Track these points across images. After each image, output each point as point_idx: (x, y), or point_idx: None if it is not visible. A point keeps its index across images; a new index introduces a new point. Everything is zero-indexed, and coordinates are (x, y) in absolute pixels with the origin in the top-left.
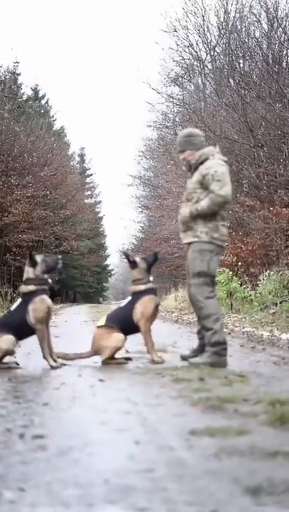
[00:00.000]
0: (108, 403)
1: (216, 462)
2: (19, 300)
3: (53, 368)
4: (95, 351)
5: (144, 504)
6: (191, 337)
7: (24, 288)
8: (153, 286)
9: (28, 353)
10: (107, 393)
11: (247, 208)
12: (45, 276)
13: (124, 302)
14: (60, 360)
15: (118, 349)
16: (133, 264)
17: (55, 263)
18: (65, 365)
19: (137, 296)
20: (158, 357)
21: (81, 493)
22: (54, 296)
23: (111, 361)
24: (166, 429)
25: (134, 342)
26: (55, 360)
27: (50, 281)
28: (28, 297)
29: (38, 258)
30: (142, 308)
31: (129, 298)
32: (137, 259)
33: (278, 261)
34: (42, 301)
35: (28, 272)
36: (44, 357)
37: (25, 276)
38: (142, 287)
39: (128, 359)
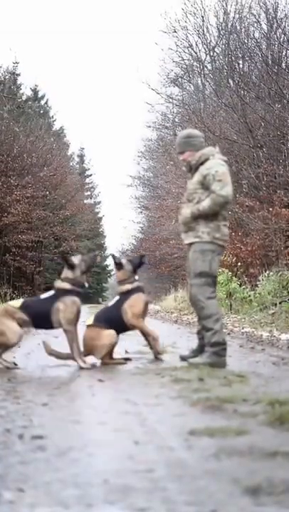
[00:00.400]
0: (107, 403)
1: (215, 462)
2: (51, 292)
3: (83, 368)
4: (88, 351)
5: (144, 504)
6: (190, 337)
7: (60, 284)
8: (139, 284)
9: (27, 353)
10: (107, 393)
11: (246, 208)
12: (84, 277)
13: (111, 302)
14: (53, 359)
15: (113, 346)
16: (119, 266)
17: (93, 260)
18: (95, 366)
19: (124, 295)
20: (162, 348)
21: (80, 494)
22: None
23: (110, 361)
24: (166, 430)
25: (134, 342)
26: (84, 361)
27: (86, 285)
28: (60, 293)
29: (76, 260)
30: (131, 307)
31: (117, 297)
32: (123, 261)
33: (278, 261)
34: (73, 303)
35: (67, 274)
36: (74, 358)
37: (63, 275)
38: (129, 286)
39: (127, 359)
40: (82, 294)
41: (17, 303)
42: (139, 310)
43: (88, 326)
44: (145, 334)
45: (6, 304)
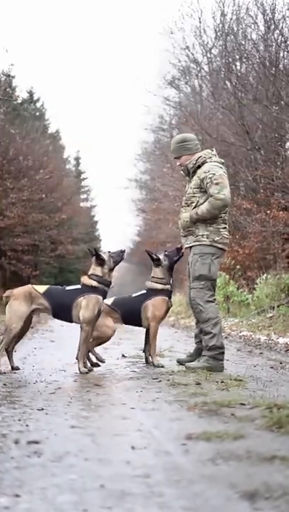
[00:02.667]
0: (104, 408)
1: (212, 467)
2: (78, 286)
3: (80, 372)
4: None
5: (141, 510)
6: (188, 341)
7: (87, 280)
8: (170, 288)
9: (23, 357)
10: (103, 398)
11: (244, 211)
12: (111, 275)
13: (136, 293)
14: (49, 364)
15: (106, 337)
16: (157, 262)
17: (121, 257)
18: (92, 370)
19: (152, 292)
20: (158, 361)
21: (77, 499)
22: None
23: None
24: (163, 434)
25: (132, 347)
26: (85, 366)
27: (112, 284)
28: (86, 289)
29: (105, 256)
30: (154, 307)
31: (144, 291)
32: (161, 256)
33: (275, 264)
34: (96, 302)
35: (96, 270)
36: (77, 358)
37: (91, 271)
38: (160, 286)
39: (97, 365)
40: (107, 292)
41: (42, 288)
42: (161, 314)
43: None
44: (150, 339)
45: (31, 286)
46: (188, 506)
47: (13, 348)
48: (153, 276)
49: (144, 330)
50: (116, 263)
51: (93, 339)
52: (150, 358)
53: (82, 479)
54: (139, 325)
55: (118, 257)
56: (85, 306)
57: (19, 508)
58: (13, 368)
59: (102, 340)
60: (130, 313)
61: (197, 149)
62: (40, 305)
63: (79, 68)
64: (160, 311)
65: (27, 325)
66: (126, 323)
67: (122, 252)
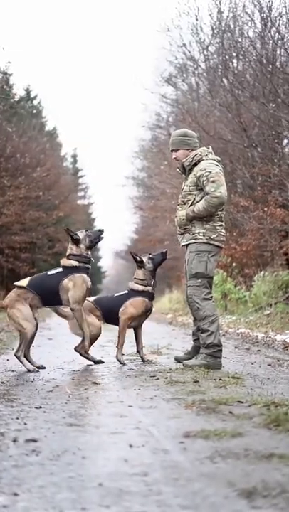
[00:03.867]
0: (102, 406)
1: (210, 465)
2: (59, 269)
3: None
4: (69, 316)
5: (139, 508)
6: (185, 339)
7: (66, 262)
8: (151, 290)
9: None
10: (101, 396)
11: (241, 208)
12: (89, 253)
13: (119, 293)
14: (47, 361)
15: (93, 337)
16: (140, 264)
17: (98, 236)
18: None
19: (133, 293)
20: (121, 357)
21: (75, 497)
22: None
23: (84, 354)
24: (161, 432)
25: (129, 345)
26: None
27: (93, 260)
28: (68, 270)
29: (81, 234)
30: (130, 306)
31: (126, 292)
32: (144, 258)
33: (273, 262)
34: (82, 280)
35: (72, 249)
36: (76, 349)
37: (68, 252)
38: (140, 288)
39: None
40: (89, 269)
41: (24, 281)
42: (137, 312)
43: (87, 301)
44: (118, 332)
45: (14, 287)
46: (187, 504)
47: (28, 351)
48: (135, 278)
49: (132, 330)
50: (93, 242)
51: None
52: (141, 353)
53: (81, 477)
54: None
55: (95, 235)
56: (72, 286)
57: (17, 506)
58: (38, 368)
59: (87, 338)
60: (110, 312)
61: (195, 147)
62: (29, 299)
63: (76, 66)
64: (136, 309)
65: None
66: (107, 322)
67: (100, 231)
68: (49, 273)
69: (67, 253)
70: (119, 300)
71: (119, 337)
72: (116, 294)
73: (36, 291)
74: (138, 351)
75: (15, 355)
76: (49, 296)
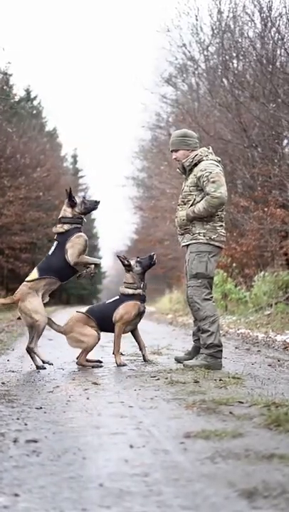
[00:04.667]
0: (102, 406)
1: (211, 465)
2: (55, 243)
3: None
4: (66, 331)
5: (139, 508)
6: (185, 339)
7: (59, 228)
8: (141, 292)
9: (21, 356)
10: (101, 396)
11: (241, 208)
12: (82, 217)
13: (110, 299)
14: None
15: (90, 346)
16: (128, 268)
17: (94, 206)
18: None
19: (124, 297)
20: (121, 361)
21: (75, 498)
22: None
23: (86, 364)
24: (161, 433)
25: (130, 345)
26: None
27: (85, 220)
28: (63, 237)
29: (78, 199)
30: (123, 311)
31: (117, 297)
32: (132, 262)
33: (273, 262)
34: (79, 238)
35: (66, 211)
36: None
37: (61, 215)
38: (130, 291)
39: (98, 361)
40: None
41: (33, 274)
42: (129, 317)
43: (78, 312)
44: (114, 338)
45: (25, 283)
46: (187, 505)
47: (35, 345)
48: (124, 282)
49: (130, 333)
50: (87, 209)
51: (82, 355)
52: (143, 351)
53: (81, 478)
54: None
55: (91, 204)
56: (71, 246)
57: (18, 507)
58: (44, 362)
59: (86, 350)
60: (105, 320)
61: (196, 147)
62: (45, 286)
63: (76, 66)
64: (129, 314)
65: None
66: (102, 330)
67: (97, 202)
68: (50, 253)
69: (60, 216)
70: (111, 306)
71: (114, 343)
72: (108, 301)
73: (44, 276)
74: (141, 350)
75: (28, 347)
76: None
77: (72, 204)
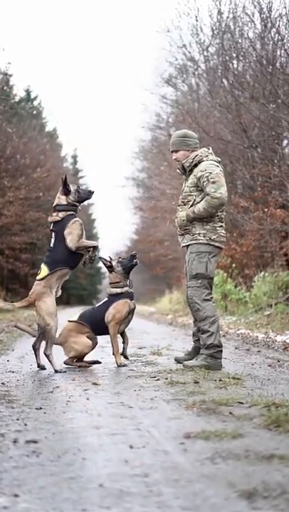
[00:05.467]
0: (102, 407)
1: (211, 466)
2: (53, 234)
3: None
4: (61, 342)
5: (139, 509)
6: (185, 339)
7: (55, 216)
8: (129, 289)
9: (21, 356)
10: (101, 397)
11: (241, 209)
12: (76, 204)
13: (99, 303)
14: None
15: (84, 355)
16: (110, 268)
17: (88, 195)
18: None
19: (112, 298)
20: (122, 360)
21: (75, 498)
22: None
23: (74, 363)
24: (161, 433)
25: (130, 345)
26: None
27: (79, 208)
28: (60, 226)
29: (72, 187)
30: (114, 311)
31: (106, 299)
32: (114, 262)
33: (273, 262)
34: (75, 223)
35: (60, 199)
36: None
37: (55, 202)
38: (118, 290)
39: (95, 362)
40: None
41: (43, 271)
42: (121, 315)
43: (70, 321)
44: (111, 339)
45: (37, 282)
46: (187, 506)
47: (40, 346)
48: (110, 283)
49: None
50: (81, 198)
51: (72, 358)
52: (125, 350)
53: (81, 478)
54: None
55: (85, 193)
56: (69, 233)
57: (18, 507)
58: (39, 366)
59: (80, 356)
60: (98, 324)
61: (196, 148)
62: (57, 280)
63: (76, 67)
64: (120, 312)
65: None
66: (97, 334)
67: (91, 192)
68: (50, 246)
69: (54, 203)
70: (102, 309)
71: (112, 344)
72: (97, 305)
73: (52, 270)
74: (123, 344)
75: (44, 354)
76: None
77: (67, 192)
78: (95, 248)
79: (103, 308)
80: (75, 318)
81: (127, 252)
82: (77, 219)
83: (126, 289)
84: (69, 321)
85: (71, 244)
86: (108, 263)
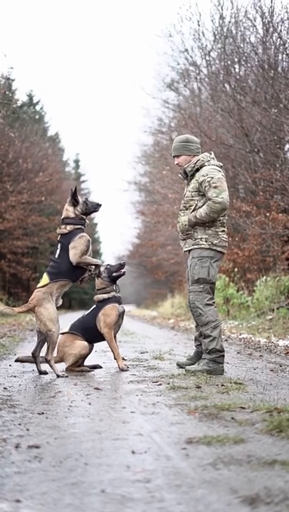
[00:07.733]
0: (104, 412)
1: (213, 472)
2: (59, 245)
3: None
4: (60, 358)
5: None
6: (187, 344)
7: (63, 229)
8: (116, 294)
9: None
10: (103, 402)
11: (243, 213)
12: (84, 217)
13: (88, 311)
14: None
15: (83, 357)
16: (97, 274)
17: (95, 208)
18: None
19: (100, 304)
20: (124, 365)
21: (77, 504)
22: None
23: (75, 369)
24: (163, 438)
25: (132, 350)
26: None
27: (87, 222)
28: (67, 238)
29: (80, 199)
30: (104, 316)
31: (94, 306)
32: (101, 268)
33: (275, 267)
34: (81, 238)
35: (68, 211)
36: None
37: (64, 215)
38: (105, 296)
39: (95, 367)
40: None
41: (44, 279)
42: (112, 320)
43: (63, 333)
44: (109, 345)
45: (38, 288)
46: (189, 511)
47: (39, 353)
48: (97, 289)
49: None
50: (88, 210)
51: (73, 365)
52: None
53: (83, 484)
54: (103, 339)
55: (92, 206)
56: (73, 247)
57: None
58: (40, 372)
59: (79, 361)
60: (90, 332)
61: (198, 152)
62: (58, 289)
63: (78, 71)
64: (110, 317)
65: None
66: (91, 342)
67: (98, 204)
68: (56, 256)
69: (63, 216)
70: (91, 317)
71: (112, 349)
72: (86, 313)
73: (53, 279)
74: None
75: (45, 359)
76: (67, 268)
77: (75, 203)
78: (97, 267)
79: (92, 316)
80: (66, 330)
81: (129, 257)
82: (84, 234)
83: (113, 293)
84: (61, 334)
85: (73, 258)
86: (97, 271)
